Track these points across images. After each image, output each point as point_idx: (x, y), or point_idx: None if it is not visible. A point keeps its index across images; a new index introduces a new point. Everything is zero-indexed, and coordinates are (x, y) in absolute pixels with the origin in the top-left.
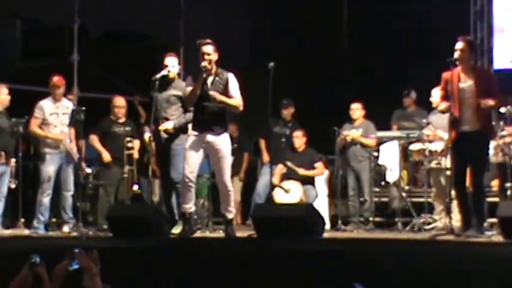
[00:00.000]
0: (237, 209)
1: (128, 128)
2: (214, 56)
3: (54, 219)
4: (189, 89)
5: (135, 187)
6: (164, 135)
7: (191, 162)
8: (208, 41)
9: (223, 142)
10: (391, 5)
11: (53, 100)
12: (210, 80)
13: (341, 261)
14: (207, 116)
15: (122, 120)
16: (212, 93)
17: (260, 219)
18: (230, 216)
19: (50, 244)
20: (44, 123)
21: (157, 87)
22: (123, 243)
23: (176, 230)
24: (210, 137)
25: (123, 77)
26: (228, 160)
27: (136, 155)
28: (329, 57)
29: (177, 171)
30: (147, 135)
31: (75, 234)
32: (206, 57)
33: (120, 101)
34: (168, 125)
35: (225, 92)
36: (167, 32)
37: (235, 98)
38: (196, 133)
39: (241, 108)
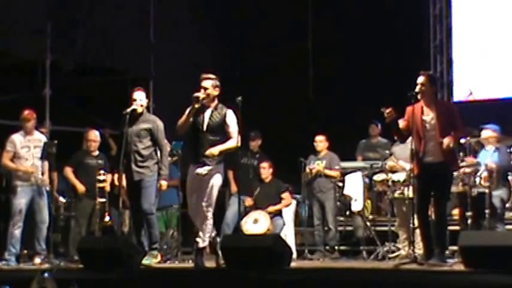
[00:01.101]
0: None
1: (100, 161)
2: (214, 91)
3: (25, 251)
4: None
5: (107, 219)
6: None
7: (191, 198)
8: (210, 76)
9: (214, 173)
10: (355, 37)
11: (24, 133)
12: (208, 113)
13: None
14: (199, 148)
15: (95, 153)
16: (208, 152)
17: (229, 250)
18: (201, 244)
19: (21, 276)
20: (15, 156)
21: (127, 121)
22: (93, 274)
23: (146, 261)
24: (199, 170)
25: (94, 111)
26: (214, 190)
27: (108, 188)
28: (294, 89)
29: (148, 202)
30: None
31: (46, 265)
32: (202, 90)
33: (93, 135)
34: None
35: (222, 127)
36: (137, 65)
37: (231, 137)
38: (191, 167)
39: (238, 145)
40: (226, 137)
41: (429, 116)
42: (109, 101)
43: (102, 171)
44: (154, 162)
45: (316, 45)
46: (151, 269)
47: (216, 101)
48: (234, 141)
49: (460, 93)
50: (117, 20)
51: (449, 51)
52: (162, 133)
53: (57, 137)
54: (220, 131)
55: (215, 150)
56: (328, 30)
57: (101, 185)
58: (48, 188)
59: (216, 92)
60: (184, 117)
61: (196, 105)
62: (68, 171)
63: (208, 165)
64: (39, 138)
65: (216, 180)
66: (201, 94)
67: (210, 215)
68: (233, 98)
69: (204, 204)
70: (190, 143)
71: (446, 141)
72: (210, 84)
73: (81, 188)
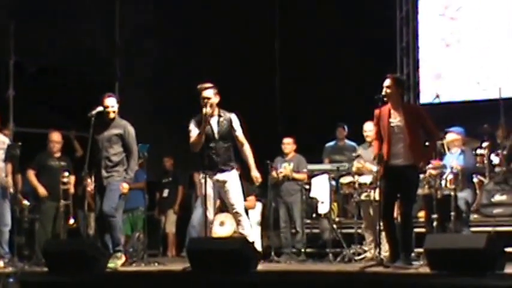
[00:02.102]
0: (171, 242)
1: (63, 163)
2: (215, 99)
3: None
4: (192, 133)
5: (71, 221)
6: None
7: (209, 204)
8: (208, 85)
9: (231, 177)
10: (322, 40)
11: None
12: (214, 120)
13: None
14: (215, 156)
15: (58, 154)
16: (256, 178)
17: (195, 253)
18: (251, 238)
19: None
20: None
21: (97, 125)
22: (58, 278)
23: (111, 264)
24: (219, 176)
25: (59, 112)
26: (237, 194)
27: (72, 190)
28: (261, 91)
29: (109, 205)
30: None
31: (10, 269)
32: (206, 101)
33: (55, 136)
34: (124, 189)
35: (230, 131)
36: (103, 67)
37: (241, 142)
38: (210, 175)
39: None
40: (234, 141)
41: (396, 118)
42: (74, 102)
43: (66, 173)
44: (124, 169)
45: (283, 48)
46: (116, 272)
47: (217, 108)
48: (248, 147)
49: (426, 96)
50: (82, 22)
51: (416, 53)
52: (133, 138)
53: (21, 138)
54: (229, 136)
55: (255, 172)
56: (295, 33)
57: (64, 187)
58: (11, 190)
59: (217, 99)
60: (197, 135)
61: (208, 119)
62: (31, 174)
63: (226, 171)
64: (3, 140)
65: (236, 184)
66: (208, 109)
67: (242, 212)
68: (198, 102)
69: (239, 210)
70: (203, 153)
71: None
72: (211, 93)
73: (42, 191)
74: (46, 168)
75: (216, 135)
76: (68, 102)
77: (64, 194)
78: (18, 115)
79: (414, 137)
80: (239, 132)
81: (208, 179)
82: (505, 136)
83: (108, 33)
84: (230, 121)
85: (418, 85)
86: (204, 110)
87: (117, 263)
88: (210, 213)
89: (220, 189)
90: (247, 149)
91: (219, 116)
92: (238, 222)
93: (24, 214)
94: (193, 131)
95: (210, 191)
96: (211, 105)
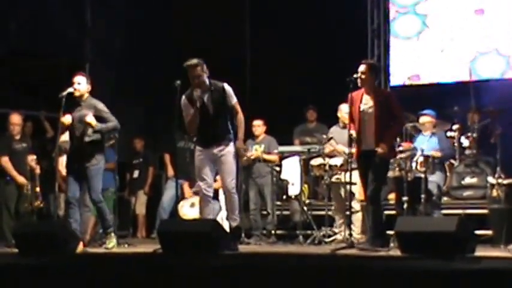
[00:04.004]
0: (141, 223)
1: (24, 145)
2: (205, 74)
3: None
4: (185, 113)
5: (37, 202)
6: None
7: (206, 177)
8: (193, 62)
9: (227, 149)
10: (292, 21)
11: None
12: (207, 96)
13: (245, 275)
14: (212, 129)
15: (18, 137)
16: (242, 150)
17: (166, 235)
18: (234, 224)
19: None
20: None
21: (66, 105)
22: (28, 260)
23: (109, 244)
24: (215, 149)
25: (28, 93)
26: (231, 167)
27: (38, 171)
28: (231, 73)
29: (95, 192)
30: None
31: None
32: (196, 80)
33: (16, 118)
34: (91, 120)
35: (224, 102)
36: (73, 49)
37: (237, 110)
38: (201, 148)
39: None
40: (230, 110)
41: (367, 104)
42: (44, 83)
43: (34, 156)
44: (100, 150)
45: (253, 29)
46: (86, 254)
47: (208, 81)
48: (242, 116)
49: (396, 78)
50: (52, 3)
51: (387, 35)
52: (106, 112)
53: None
54: (224, 107)
55: (240, 144)
56: (265, 13)
57: (30, 167)
58: None
59: (206, 73)
60: (192, 118)
61: (199, 105)
62: (6, 162)
63: (223, 144)
64: None
65: (232, 158)
66: (199, 92)
67: (234, 191)
68: (171, 82)
69: (229, 184)
70: (200, 127)
71: (380, 150)
72: (199, 70)
73: (22, 180)
74: (12, 152)
75: (211, 110)
76: (38, 82)
77: (30, 175)
78: None
79: (381, 124)
80: (234, 100)
81: (203, 152)
82: (476, 119)
83: (78, 14)
84: (223, 91)
85: (388, 67)
86: (195, 94)
87: (113, 241)
88: (209, 186)
89: (216, 160)
90: (240, 119)
91: (210, 90)
92: (227, 204)
93: None
94: (186, 110)
95: (203, 164)
96: (203, 83)
